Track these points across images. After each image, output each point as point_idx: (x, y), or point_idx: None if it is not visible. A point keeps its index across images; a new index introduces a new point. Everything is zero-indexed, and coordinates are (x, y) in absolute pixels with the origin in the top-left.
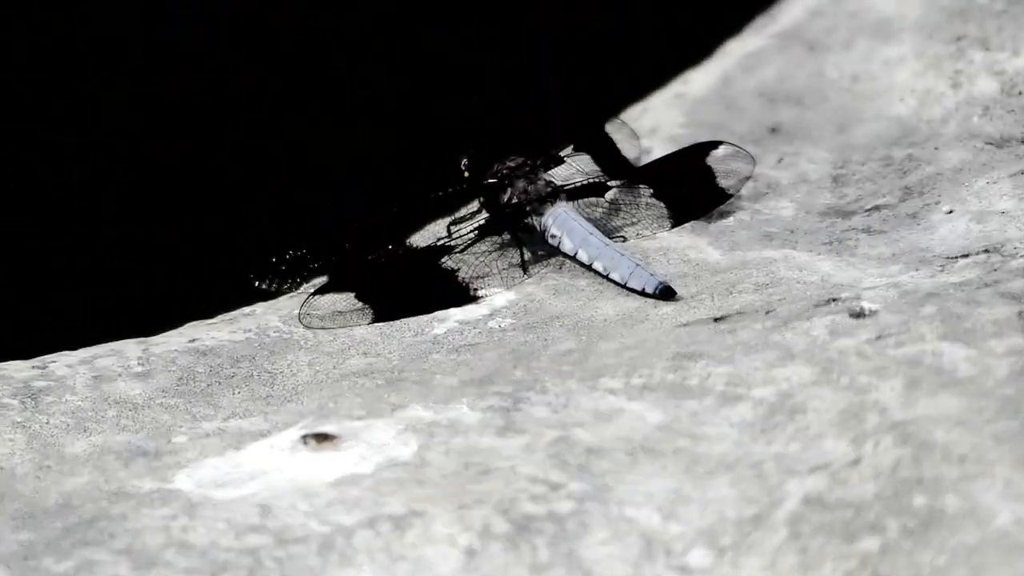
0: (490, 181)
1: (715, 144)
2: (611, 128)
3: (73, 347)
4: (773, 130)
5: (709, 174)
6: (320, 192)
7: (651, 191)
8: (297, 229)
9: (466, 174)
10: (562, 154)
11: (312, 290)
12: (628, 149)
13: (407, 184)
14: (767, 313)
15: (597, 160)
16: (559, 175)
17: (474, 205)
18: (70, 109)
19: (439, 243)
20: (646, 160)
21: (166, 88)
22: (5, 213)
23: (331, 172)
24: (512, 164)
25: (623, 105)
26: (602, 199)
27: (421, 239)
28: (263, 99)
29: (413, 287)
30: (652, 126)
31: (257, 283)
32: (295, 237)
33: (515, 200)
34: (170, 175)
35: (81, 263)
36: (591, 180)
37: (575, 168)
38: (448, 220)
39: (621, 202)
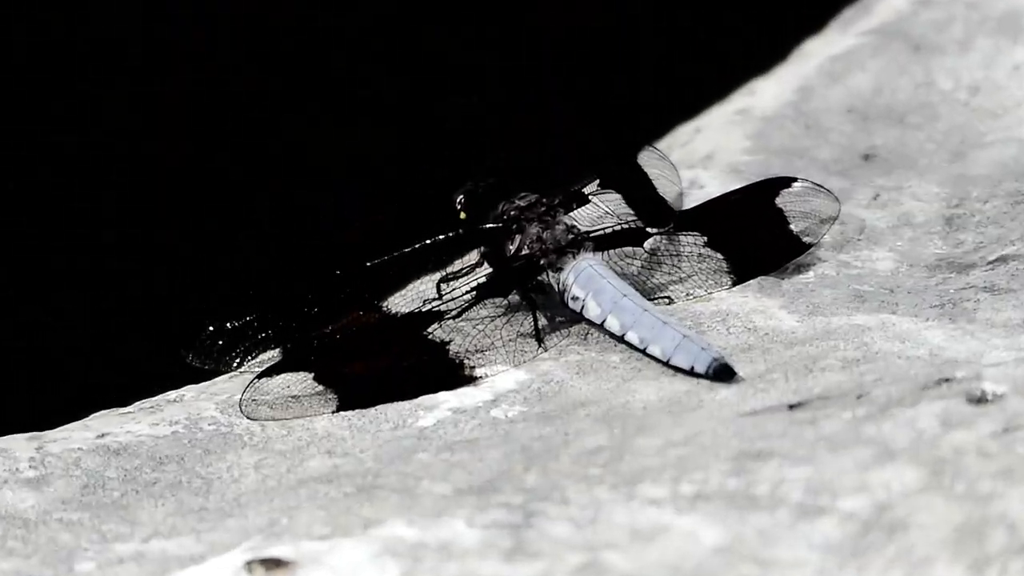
0: (494, 225)
1: (788, 180)
2: (645, 159)
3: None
4: (867, 157)
5: (781, 217)
6: (320, 192)
7: (704, 239)
8: (297, 230)
9: (462, 215)
10: (586, 191)
11: (259, 369)
12: (667, 186)
13: (405, 193)
14: (858, 398)
15: (630, 199)
16: (583, 218)
17: (472, 256)
18: (70, 109)
19: (425, 306)
20: (695, 199)
21: (166, 88)
22: (5, 213)
23: (331, 172)
24: (522, 203)
25: (667, 125)
26: (640, 249)
27: (401, 301)
28: (263, 99)
29: (391, 365)
30: (707, 152)
31: (188, 357)
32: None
33: (526, 250)
34: (170, 175)
35: (81, 263)
36: (625, 224)
37: (603, 209)
38: (438, 276)
39: (665, 253)
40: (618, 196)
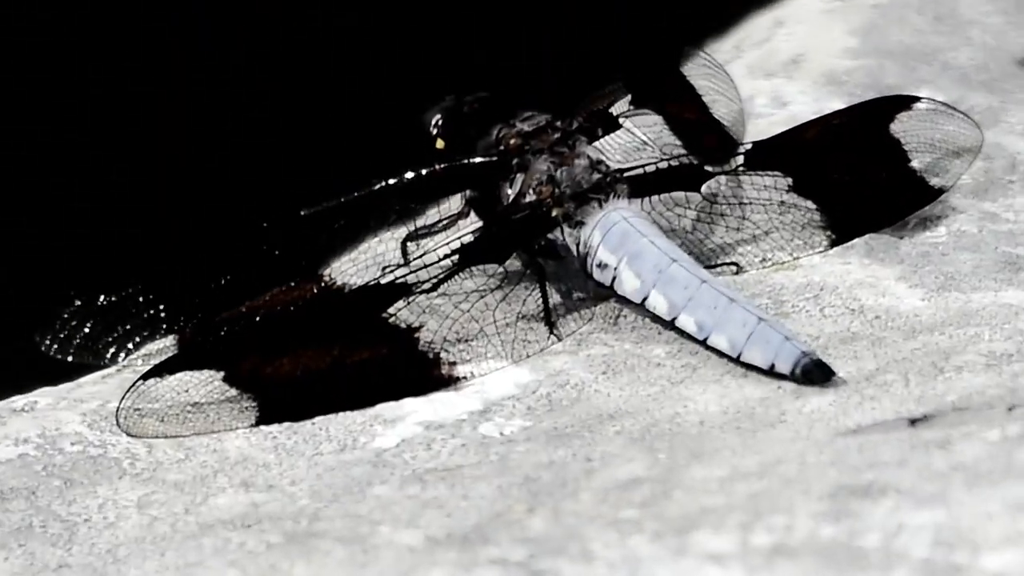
0: (485, 158)
1: (908, 99)
2: (692, 68)
3: None
4: (1023, 63)
5: (899, 151)
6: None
7: (789, 181)
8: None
9: (439, 144)
10: (615, 111)
11: (146, 365)
12: (723, 106)
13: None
14: (1010, 410)
15: (676, 124)
16: (612, 150)
17: (454, 203)
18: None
19: (386, 276)
20: (774, 123)
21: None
22: (5, 213)
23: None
24: (527, 128)
25: (733, 14)
26: (695, 195)
27: (352, 268)
28: (260, 99)
29: (336, 360)
30: (793, 54)
31: (44, 344)
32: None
33: (532, 196)
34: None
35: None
36: (673, 160)
37: (639, 138)
38: (404, 232)
39: (730, 201)
40: (658, 119)
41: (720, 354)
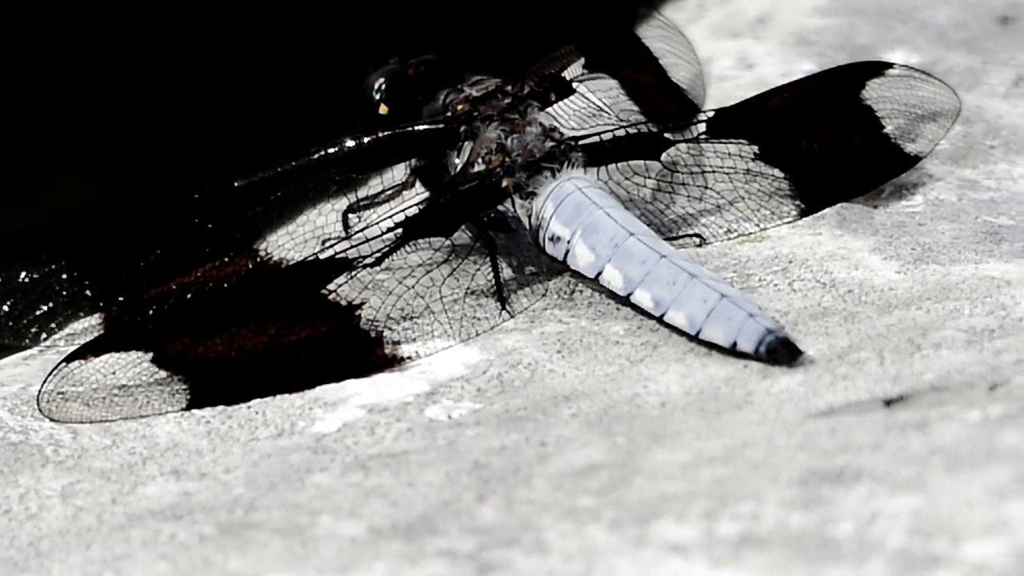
0: (431, 125)
1: (880, 66)
2: (648, 30)
3: None
4: (1005, 20)
5: (871, 118)
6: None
7: (755, 148)
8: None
9: (382, 109)
10: (568, 76)
11: (70, 346)
12: (680, 69)
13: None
14: (992, 389)
15: (632, 88)
16: (565, 116)
17: (398, 173)
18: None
19: (326, 250)
20: (740, 87)
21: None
22: None
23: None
24: (475, 92)
25: None
26: (654, 163)
27: (289, 242)
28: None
29: (273, 339)
30: (760, 13)
31: None
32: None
33: (481, 165)
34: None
35: None
36: (631, 127)
37: (594, 103)
38: (344, 203)
39: (692, 169)
40: (614, 83)
41: (681, 332)
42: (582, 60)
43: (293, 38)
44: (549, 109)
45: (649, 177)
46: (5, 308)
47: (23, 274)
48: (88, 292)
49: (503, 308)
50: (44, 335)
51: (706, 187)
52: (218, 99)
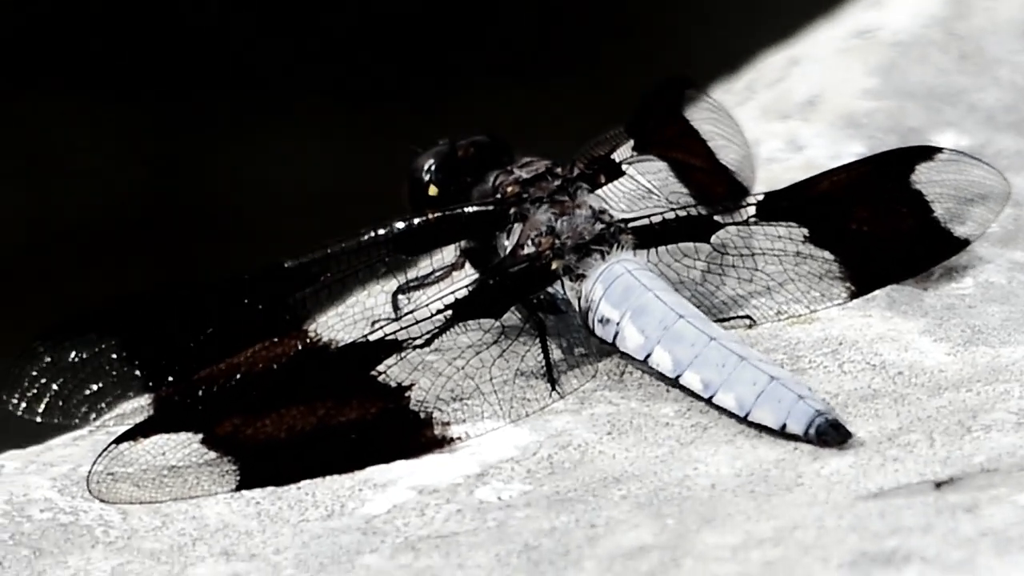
0: (481, 207)
1: (929, 150)
2: (697, 112)
3: None
4: None
5: (921, 201)
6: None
7: (805, 231)
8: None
9: (432, 190)
10: (616, 156)
11: (120, 427)
12: (728, 151)
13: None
14: None
15: (682, 171)
16: (615, 199)
17: (448, 255)
18: None
19: (375, 331)
20: (789, 170)
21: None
22: None
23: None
24: (525, 174)
25: (745, 53)
26: (704, 246)
27: (338, 323)
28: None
29: (322, 421)
30: (809, 95)
31: (12, 403)
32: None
33: (531, 247)
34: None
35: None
36: (681, 209)
37: (643, 185)
38: (394, 284)
39: (742, 252)
40: (663, 165)
41: (730, 414)
42: (631, 142)
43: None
44: (599, 191)
45: (699, 259)
46: (55, 388)
47: (73, 354)
48: (138, 372)
49: (553, 389)
50: (94, 415)
51: (756, 269)
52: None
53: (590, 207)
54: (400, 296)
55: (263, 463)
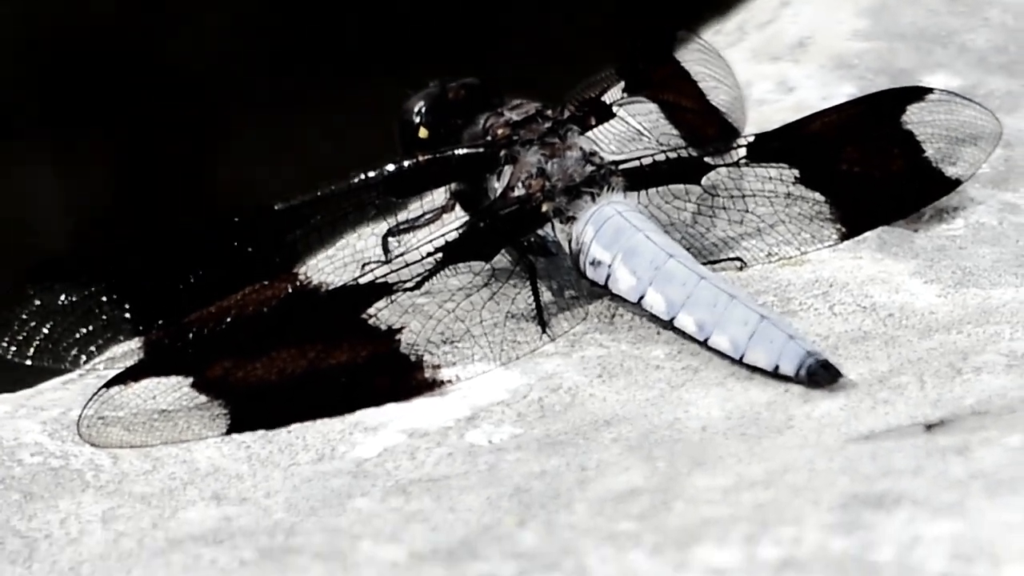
0: (471, 149)
1: (920, 91)
2: (688, 54)
3: None
4: None
5: (912, 142)
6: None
7: (795, 172)
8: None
9: (423, 133)
10: (606, 98)
11: (111, 370)
12: (719, 92)
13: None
14: None
15: (673, 112)
16: (605, 141)
17: (438, 197)
18: None
19: (366, 274)
20: (779, 111)
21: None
22: None
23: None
24: (516, 116)
25: None
26: (694, 187)
27: (329, 266)
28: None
29: (313, 364)
30: (799, 37)
31: (1, 347)
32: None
33: (521, 189)
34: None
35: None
36: (671, 151)
37: (634, 127)
38: (384, 227)
39: (733, 193)
40: (653, 107)
41: (722, 355)
42: (622, 84)
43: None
44: (589, 133)
45: (689, 201)
46: (45, 331)
47: (63, 297)
48: (128, 316)
49: (543, 332)
50: (84, 359)
51: (746, 211)
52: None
53: (580, 149)
54: (390, 239)
55: (254, 406)
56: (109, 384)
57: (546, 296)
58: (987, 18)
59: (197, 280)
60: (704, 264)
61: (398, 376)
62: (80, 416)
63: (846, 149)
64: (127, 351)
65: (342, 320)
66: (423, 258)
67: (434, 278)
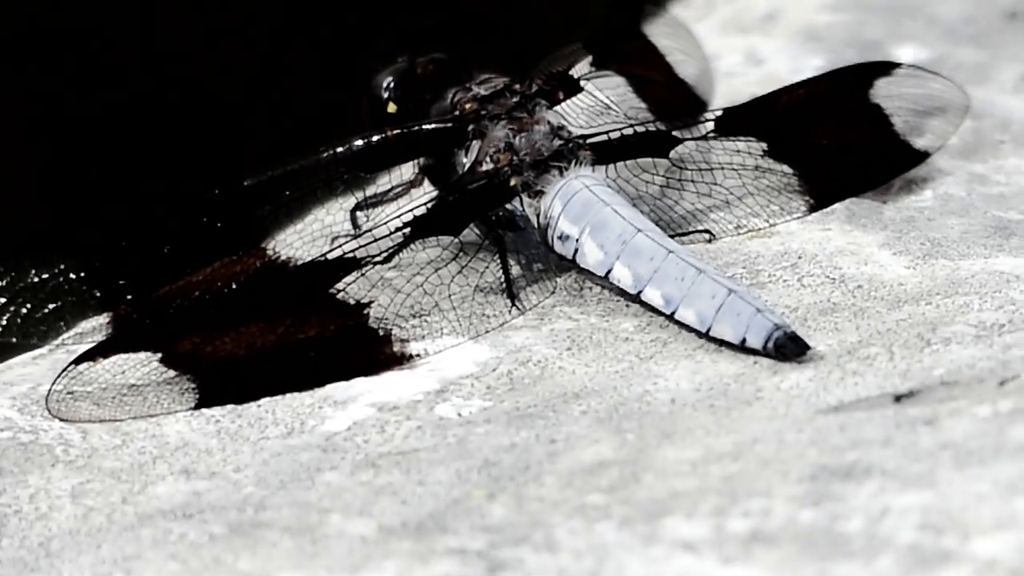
0: (439, 123)
1: (888, 66)
2: (655, 27)
3: None
4: (1013, 16)
5: (880, 115)
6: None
7: (764, 145)
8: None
9: (391, 107)
10: (575, 74)
11: (80, 346)
12: (687, 66)
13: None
14: (1001, 384)
15: (640, 86)
16: (573, 114)
17: (406, 171)
18: None
19: (334, 248)
20: (748, 84)
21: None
22: None
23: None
24: (483, 91)
25: None
26: (662, 161)
27: (297, 240)
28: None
29: (282, 338)
30: (768, 9)
31: None
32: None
33: (489, 163)
34: None
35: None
36: (639, 124)
37: (602, 101)
38: (352, 201)
39: (701, 166)
40: (621, 81)
41: (690, 329)
42: (589, 58)
43: (300, 36)
44: (557, 107)
45: (657, 174)
46: (13, 307)
47: (32, 273)
48: (97, 291)
49: (512, 305)
50: (53, 334)
51: (715, 183)
52: (225, 98)
53: (548, 123)
54: (359, 213)
55: (223, 381)
56: (79, 359)
57: (515, 270)
58: None
59: (166, 255)
60: (673, 237)
61: (367, 350)
62: (49, 391)
63: (814, 122)
64: (96, 326)
65: (311, 295)
66: (392, 232)
67: (403, 252)
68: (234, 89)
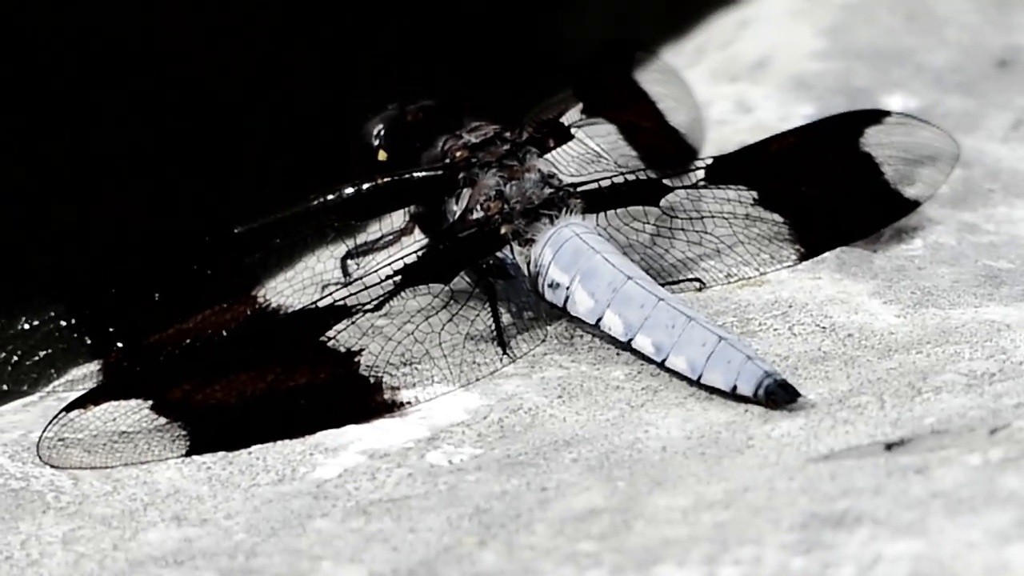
0: (430, 171)
1: (878, 114)
2: (647, 74)
3: None
4: (1003, 64)
5: (870, 164)
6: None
7: (754, 194)
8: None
9: (382, 155)
10: (565, 120)
11: (71, 393)
12: (678, 112)
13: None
14: (992, 433)
15: (631, 133)
16: (563, 162)
17: (397, 219)
18: None
19: (325, 296)
20: (739, 132)
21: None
22: None
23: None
24: (474, 139)
25: (695, 14)
26: (653, 209)
27: (288, 289)
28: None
29: (273, 386)
30: (758, 57)
31: None
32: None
33: (480, 211)
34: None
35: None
36: (629, 172)
37: (592, 149)
38: (343, 249)
39: (691, 215)
40: (612, 128)
41: (681, 376)
42: (580, 105)
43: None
44: (548, 155)
45: (648, 223)
46: (4, 354)
47: (22, 319)
48: (87, 338)
49: (503, 353)
50: (44, 381)
51: (705, 232)
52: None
53: (539, 171)
54: (349, 261)
55: (214, 428)
56: (69, 406)
57: (505, 318)
58: (944, 38)
59: (156, 303)
60: (663, 285)
61: (358, 398)
62: (40, 438)
63: (804, 171)
64: (87, 373)
65: (301, 342)
66: (382, 280)
67: (393, 300)
68: (234, 89)
